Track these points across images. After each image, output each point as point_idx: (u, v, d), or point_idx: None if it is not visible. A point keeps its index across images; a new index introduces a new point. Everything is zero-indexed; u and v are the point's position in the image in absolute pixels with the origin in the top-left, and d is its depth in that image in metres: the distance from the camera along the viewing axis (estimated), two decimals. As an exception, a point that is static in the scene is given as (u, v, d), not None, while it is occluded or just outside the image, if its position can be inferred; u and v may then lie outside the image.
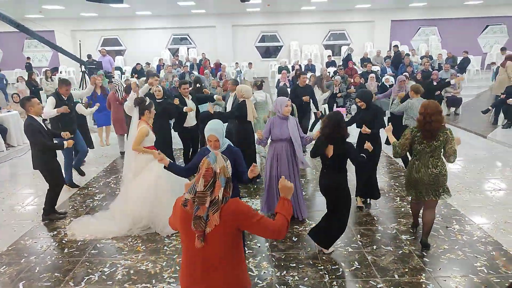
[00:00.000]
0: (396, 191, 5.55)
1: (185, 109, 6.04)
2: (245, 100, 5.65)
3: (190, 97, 6.32)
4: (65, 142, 4.74)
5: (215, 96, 6.66)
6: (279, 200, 2.18)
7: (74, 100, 6.20)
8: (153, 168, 4.52)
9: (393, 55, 15.19)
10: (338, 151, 3.70)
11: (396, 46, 16.41)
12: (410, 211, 4.46)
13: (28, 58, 16.84)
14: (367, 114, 4.77)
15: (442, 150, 3.67)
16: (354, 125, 5.01)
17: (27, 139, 4.79)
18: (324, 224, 3.94)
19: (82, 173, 6.54)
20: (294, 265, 3.76)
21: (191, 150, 6.58)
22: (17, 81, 13.67)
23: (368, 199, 5.13)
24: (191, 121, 6.30)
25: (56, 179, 4.88)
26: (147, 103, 4.64)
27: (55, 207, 5.03)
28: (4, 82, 14.55)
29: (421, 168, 3.74)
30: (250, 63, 16.67)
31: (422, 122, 3.62)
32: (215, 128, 3.07)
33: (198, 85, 7.65)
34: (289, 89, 10.83)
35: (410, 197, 4.13)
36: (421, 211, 4.14)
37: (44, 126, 4.75)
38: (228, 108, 6.28)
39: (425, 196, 3.80)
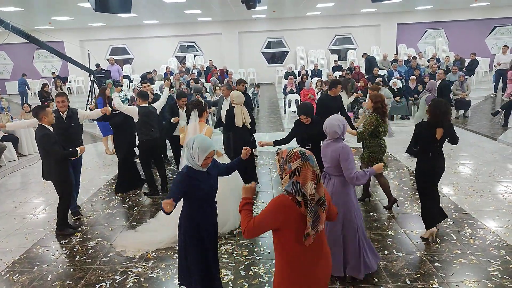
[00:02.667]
0: (406, 195, 5.50)
1: (172, 119, 6.30)
2: (234, 106, 5.69)
3: (185, 108, 6.21)
4: (77, 149, 4.70)
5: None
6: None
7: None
8: None
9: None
10: (446, 134, 4.02)
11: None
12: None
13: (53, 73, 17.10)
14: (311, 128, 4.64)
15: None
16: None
17: (39, 149, 4.72)
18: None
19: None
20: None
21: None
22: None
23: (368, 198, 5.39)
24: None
25: (69, 190, 4.81)
26: (203, 105, 4.83)
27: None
28: (26, 88, 15.64)
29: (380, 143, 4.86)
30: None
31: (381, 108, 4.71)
32: (213, 144, 2.89)
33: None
34: (296, 95, 10.91)
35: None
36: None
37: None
38: (223, 113, 6.34)
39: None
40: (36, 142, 4.70)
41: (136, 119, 5.68)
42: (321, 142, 4.28)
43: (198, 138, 2.86)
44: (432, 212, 4.20)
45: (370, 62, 14.12)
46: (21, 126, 4.87)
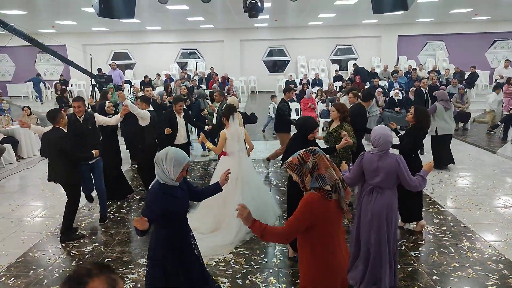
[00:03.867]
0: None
1: (166, 130, 5.92)
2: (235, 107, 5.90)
3: (182, 114, 6.16)
4: (93, 152, 4.75)
5: (206, 128, 6.75)
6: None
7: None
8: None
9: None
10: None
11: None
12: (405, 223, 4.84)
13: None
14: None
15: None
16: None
17: (51, 151, 4.59)
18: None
19: (91, 199, 5.76)
20: (302, 281, 3.72)
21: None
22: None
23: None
24: (181, 139, 6.12)
25: (78, 193, 4.78)
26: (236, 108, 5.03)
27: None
28: (41, 86, 17.17)
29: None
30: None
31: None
32: (186, 155, 2.73)
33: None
34: (296, 103, 10.94)
35: None
36: None
37: None
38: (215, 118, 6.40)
39: None
40: (50, 144, 4.54)
41: (146, 123, 5.73)
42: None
43: (171, 151, 2.60)
44: (419, 204, 4.58)
45: (357, 72, 14.27)
46: (44, 131, 4.92)
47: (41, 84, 17.41)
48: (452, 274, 3.78)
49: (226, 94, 11.71)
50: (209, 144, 5.03)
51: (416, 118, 4.61)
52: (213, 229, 4.63)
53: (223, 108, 6.65)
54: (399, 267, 3.91)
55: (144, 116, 5.68)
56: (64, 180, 4.63)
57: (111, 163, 5.75)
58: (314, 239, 2.27)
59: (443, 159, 7.08)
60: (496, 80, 13.18)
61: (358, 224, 3.44)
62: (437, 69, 15.81)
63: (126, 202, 5.94)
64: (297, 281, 3.71)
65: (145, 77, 14.78)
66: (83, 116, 5.03)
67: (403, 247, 4.32)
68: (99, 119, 5.29)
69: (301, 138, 3.91)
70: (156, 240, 2.69)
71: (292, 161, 2.30)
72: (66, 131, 4.57)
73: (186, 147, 6.34)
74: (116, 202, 5.97)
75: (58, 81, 15.97)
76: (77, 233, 4.87)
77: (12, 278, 3.93)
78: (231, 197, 4.55)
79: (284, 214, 5.26)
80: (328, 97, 11.03)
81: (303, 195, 2.30)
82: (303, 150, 2.29)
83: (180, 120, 6.10)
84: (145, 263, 4.05)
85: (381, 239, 3.25)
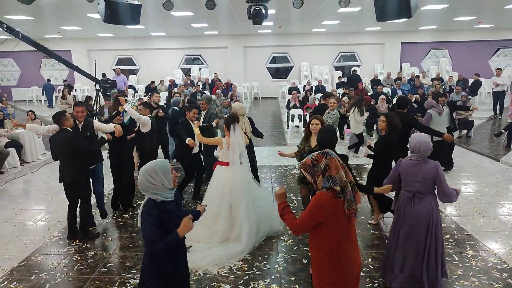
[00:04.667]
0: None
1: (188, 142, 5.59)
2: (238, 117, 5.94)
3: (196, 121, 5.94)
4: (104, 136, 4.91)
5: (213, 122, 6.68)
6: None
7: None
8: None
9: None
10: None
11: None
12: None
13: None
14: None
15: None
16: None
17: (63, 152, 4.61)
18: None
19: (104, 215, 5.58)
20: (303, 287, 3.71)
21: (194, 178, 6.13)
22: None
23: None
24: (196, 147, 5.92)
25: (90, 191, 4.96)
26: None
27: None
28: (52, 91, 17.41)
29: None
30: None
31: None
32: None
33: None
34: (299, 110, 10.94)
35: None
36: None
37: None
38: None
39: None
40: (60, 145, 4.61)
41: (147, 130, 5.73)
42: None
43: (150, 166, 2.43)
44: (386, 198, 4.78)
45: (351, 79, 14.37)
46: (39, 130, 4.99)
47: (52, 89, 17.52)
48: (456, 283, 3.75)
49: (229, 100, 11.77)
50: (196, 129, 5.17)
51: (389, 125, 4.71)
52: (221, 239, 4.59)
53: (209, 116, 6.70)
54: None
55: (144, 122, 5.68)
56: (78, 178, 4.67)
57: (128, 169, 5.67)
58: (326, 239, 2.39)
59: (442, 164, 7.09)
60: (492, 88, 13.26)
61: (395, 230, 3.57)
62: (440, 76, 15.81)
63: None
64: (299, 288, 3.70)
65: (152, 82, 14.84)
66: (82, 122, 5.01)
67: (406, 255, 4.29)
68: (96, 125, 5.21)
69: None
70: (148, 264, 2.50)
71: (306, 162, 2.45)
72: (72, 130, 4.67)
73: (199, 156, 6.13)
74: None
75: (64, 87, 16.05)
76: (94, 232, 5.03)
77: (15, 282, 3.93)
78: (221, 209, 4.59)
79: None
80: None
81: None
82: (317, 152, 2.45)
83: (196, 129, 5.75)
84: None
85: (425, 245, 3.38)
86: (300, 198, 5.20)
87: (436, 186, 3.39)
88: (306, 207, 2.45)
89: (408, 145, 3.55)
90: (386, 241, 4.65)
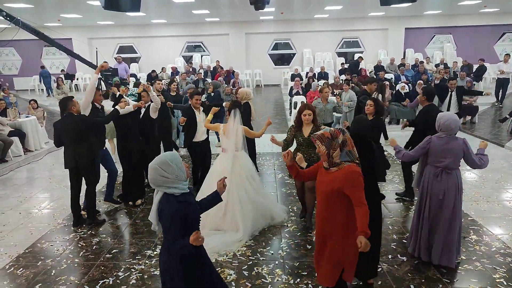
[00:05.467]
0: (411, 199, 5.47)
1: (181, 120, 5.64)
2: (247, 102, 6.39)
3: (201, 109, 5.72)
4: (116, 107, 5.04)
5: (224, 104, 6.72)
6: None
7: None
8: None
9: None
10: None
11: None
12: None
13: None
14: None
15: None
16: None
17: (72, 135, 4.61)
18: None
19: (117, 202, 5.61)
20: (307, 273, 3.72)
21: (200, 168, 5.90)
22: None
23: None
24: (201, 135, 5.70)
25: (98, 174, 5.09)
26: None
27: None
28: (50, 79, 17.42)
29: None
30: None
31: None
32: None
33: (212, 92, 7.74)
34: (302, 97, 10.89)
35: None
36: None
37: None
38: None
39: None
40: (66, 130, 4.60)
41: (155, 116, 5.74)
42: None
43: (160, 158, 2.33)
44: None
45: (350, 67, 14.29)
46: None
47: (49, 77, 17.53)
48: (459, 267, 3.76)
49: (232, 87, 11.72)
50: (203, 116, 5.44)
51: (376, 108, 4.84)
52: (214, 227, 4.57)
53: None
54: (405, 260, 3.91)
55: (158, 106, 5.71)
56: (87, 160, 4.73)
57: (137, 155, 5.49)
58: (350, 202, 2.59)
59: None
60: (496, 74, 12.94)
61: (421, 205, 3.80)
62: (444, 62, 15.64)
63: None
64: (303, 273, 3.72)
65: (153, 71, 14.77)
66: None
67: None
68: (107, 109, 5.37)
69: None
70: (171, 255, 2.36)
71: (324, 134, 2.63)
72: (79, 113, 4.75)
73: (206, 143, 5.87)
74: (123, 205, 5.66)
75: (67, 76, 16.03)
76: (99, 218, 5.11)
77: (21, 269, 3.98)
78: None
79: (290, 207, 5.25)
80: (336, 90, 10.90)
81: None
82: (333, 128, 2.68)
83: (200, 116, 5.65)
84: (156, 254, 4.11)
85: (454, 214, 3.65)
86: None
87: (467, 160, 3.61)
88: (355, 184, 2.54)
89: (436, 125, 3.68)
90: (390, 227, 4.67)
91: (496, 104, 12.86)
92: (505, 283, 3.49)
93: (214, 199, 2.66)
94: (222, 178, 2.73)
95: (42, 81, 17.52)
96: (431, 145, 3.66)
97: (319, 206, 2.76)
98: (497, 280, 3.53)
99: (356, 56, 18.55)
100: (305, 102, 10.74)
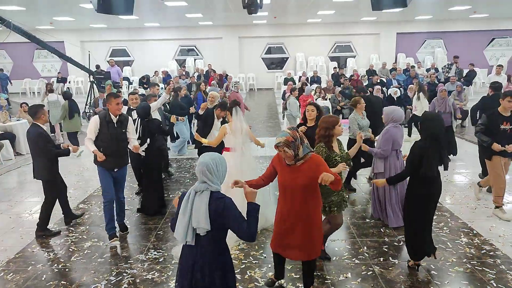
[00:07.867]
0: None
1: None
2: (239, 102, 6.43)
3: (220, 119, 5.87)
4: (70, 148, 4.70)
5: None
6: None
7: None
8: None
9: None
10: None
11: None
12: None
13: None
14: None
15: None
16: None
17: (31, 148, 4.62)
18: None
19: (125, 229, 4.87)
20: (299, 276, 3.73)
21: None
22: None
23: None
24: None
25: (56, 191, 4.83)
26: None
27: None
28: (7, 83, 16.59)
29: None
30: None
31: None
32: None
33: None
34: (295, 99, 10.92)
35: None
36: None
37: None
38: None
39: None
40: (29, 140, 4.57)
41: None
42: None
43: (219, 155, 2.41)
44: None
45: (332, 78, 14.56)
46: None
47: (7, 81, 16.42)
48: (450, 269, 3.80)
49: (225, 91, 11.74)
50: (204, 140, 5.02)
51: (319, 114, 4.91)
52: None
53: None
54: (397, 262, 3.94)
55: (158, 106, 6.31)
56: (41, 176, 4.65)
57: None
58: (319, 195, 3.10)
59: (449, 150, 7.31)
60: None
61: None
62: (435, 66, 15.82)
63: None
64: (295, 276, 3.73)
65: (143, 77, 14.72)
66: (118, 118, 4.37)
67: (401, 243, 4.34)
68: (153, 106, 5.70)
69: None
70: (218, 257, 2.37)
71: (288, 140, 2.78)
72: (43, 127, 4.59)
73: (218, 148, 5.97)
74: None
75: (61, 80, 15.60)
76: (53, 231, 4.83)
77: (11, 274, 3.93)
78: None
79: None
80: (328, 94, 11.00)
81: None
82: (288, 128, 2.90)
83: (217, 125, 5.83)
84: (148, 258, 4.08)
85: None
86: None
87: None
88: (324, 165, 2.87)
89: (387, 117, 4.62)
90: (381, 230, 4.70)
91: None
92: (495, 284, 3.53)
93: (254, 210, 2.41)
94: (243, 185, 2.75)
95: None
96: (393, 134, 4.54)
97: (288, 201, 2.99)
98: (487, 282, 3.57)
99: (349, 61, 18.75)
100: (298, 104, 10.83)
